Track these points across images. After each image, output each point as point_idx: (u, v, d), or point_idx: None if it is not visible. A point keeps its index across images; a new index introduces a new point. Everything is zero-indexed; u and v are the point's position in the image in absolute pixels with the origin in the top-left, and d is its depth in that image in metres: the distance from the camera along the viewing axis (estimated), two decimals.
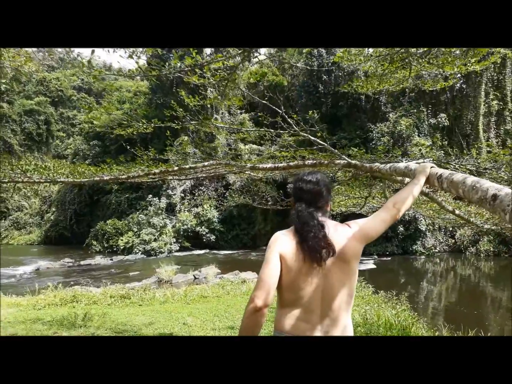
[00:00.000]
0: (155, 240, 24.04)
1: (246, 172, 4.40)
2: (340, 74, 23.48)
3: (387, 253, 21.77)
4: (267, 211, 25.53)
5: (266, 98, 4.27)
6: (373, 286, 10.62)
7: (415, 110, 22.24)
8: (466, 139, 21.86)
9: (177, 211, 26.03)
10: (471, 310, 12.09)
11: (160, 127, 4.33)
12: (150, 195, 25.87)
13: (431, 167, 1.79)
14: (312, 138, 3.38)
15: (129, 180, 3.93)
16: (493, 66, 21.75)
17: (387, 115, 22.96)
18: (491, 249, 20.62)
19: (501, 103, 21.82)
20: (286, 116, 3.34)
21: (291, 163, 3.34)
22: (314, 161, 3.23)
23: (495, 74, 21.48)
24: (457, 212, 3.94)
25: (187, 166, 3.95)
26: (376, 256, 21.47)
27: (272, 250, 1.67)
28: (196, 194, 26.38)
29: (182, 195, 26.57)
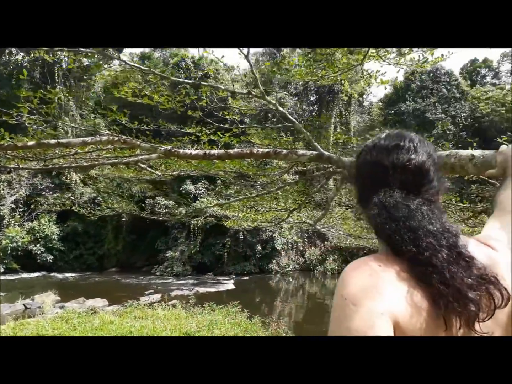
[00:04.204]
0: None
1: (143, 164, 3.13)
2: (180, 99, 23.13)
3: (245, 272, 21.78)
4: (120, 228, 23.08)
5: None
6: (240, 309, 10.07)
7: (276, 136, 23.28)
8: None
9: (5, 226, 21.35)
10: (317, 328, 12.64)
11: None
12: None
13: None
14: (281, 108, 2.42)
15: None
16: (341, 103, 24.51)
17: (250, 137, 23.44)
18: (336, 267, 22.61)
19: (346, 136, 24.57)
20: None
21: (231, 151, 2.31)
22: (267, 150, 2.27)
23: (344, 110, 24.18)
24: None
25: (52, 142, 2.51)
26: (234, 276, 21.26)
27: (369, 314, 0.70)
28: (32, 206, 22.14)
29: (13, 206, 21.99)
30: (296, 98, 24.45)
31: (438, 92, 29.61)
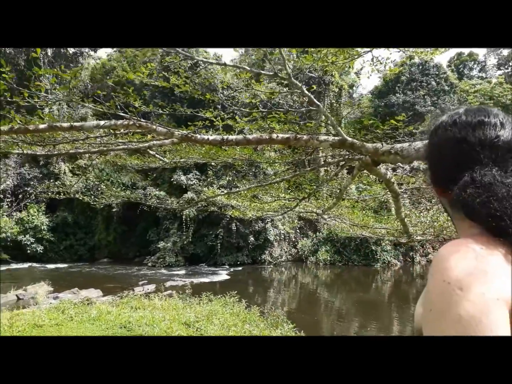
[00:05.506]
0: None
1: (152, 150, 3.05)
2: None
3: (238, 263, 21.83)
4: (111, 219, 22.85)
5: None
6: (237, 299, 10.08)
7: (267, 126, 23.17)
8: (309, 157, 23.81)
9: None
10: (310, 316, 12.80)
11: None
12: None
13: None
14: (306, 92, 2.36)
15: None
16: (331, 94, 24.46)
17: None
18: (328, 258, 22.71)
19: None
20: None
21: (250, 136, 2.25)
22: (287, 135, 2.22)
23: (334, 102, 24.16)
24: (406, 220, 3.39)
25: (65, 125, 2.42)
26: (228, 267, 21.30)
27: (481, 300, 0.63)
28: (20, 196, 21.77)
29: (1, 196, 21.59)
30: (287, 89, 24.34)
31: (427, 85, 29.78)
